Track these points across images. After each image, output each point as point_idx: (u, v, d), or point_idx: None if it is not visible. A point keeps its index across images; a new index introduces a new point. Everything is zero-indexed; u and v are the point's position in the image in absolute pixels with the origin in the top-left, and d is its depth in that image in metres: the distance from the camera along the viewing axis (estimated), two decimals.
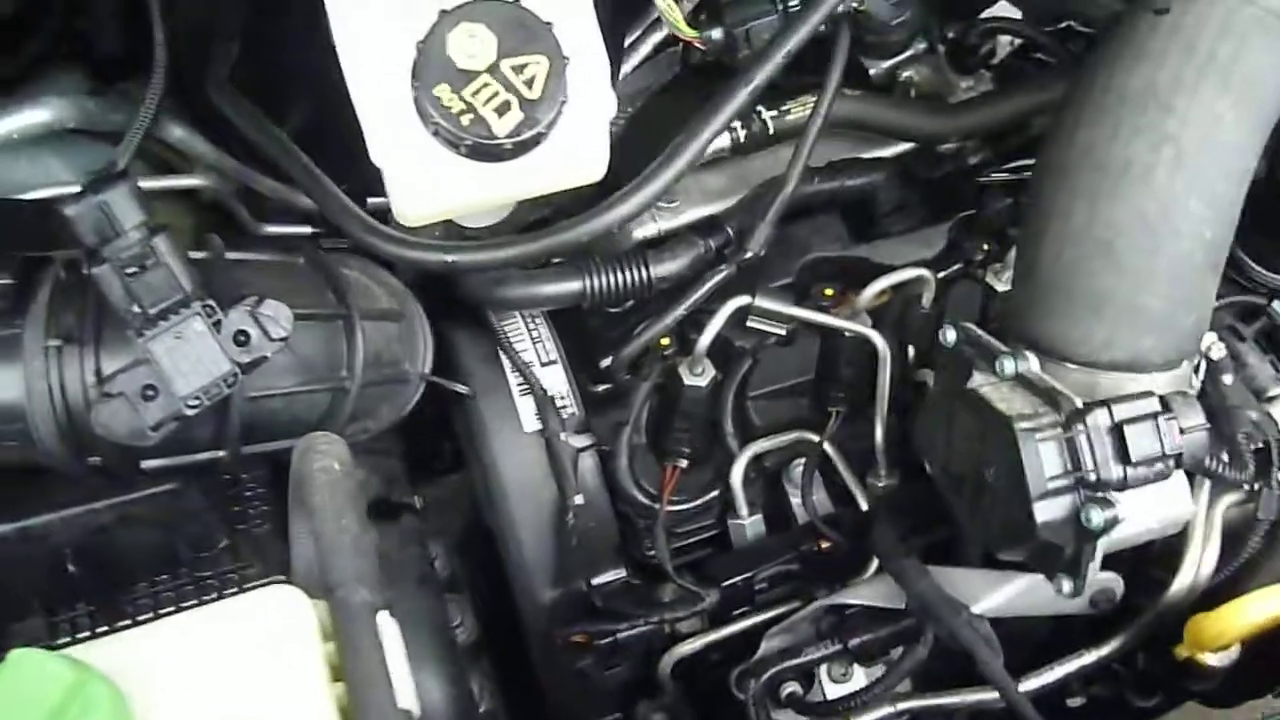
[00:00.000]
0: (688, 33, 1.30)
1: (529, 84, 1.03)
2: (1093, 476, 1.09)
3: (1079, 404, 1.11)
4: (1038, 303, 1.22)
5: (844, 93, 1.59)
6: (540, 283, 1.41)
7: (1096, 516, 1.09)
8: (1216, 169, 1.15)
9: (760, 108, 1.54)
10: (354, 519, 1.00)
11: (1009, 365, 1.18)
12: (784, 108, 1.54)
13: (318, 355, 1.21)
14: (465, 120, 1.02)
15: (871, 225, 1.57)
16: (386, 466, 1.56)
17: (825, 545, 1.40)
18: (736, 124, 1.52)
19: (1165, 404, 1.11)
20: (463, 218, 1.29)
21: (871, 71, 1.67)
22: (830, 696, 1.34)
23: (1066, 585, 1.16)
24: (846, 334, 1.44)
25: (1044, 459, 1.09)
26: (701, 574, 1.41)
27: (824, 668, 1.35)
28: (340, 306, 1.23)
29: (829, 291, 1.50)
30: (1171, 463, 1.10)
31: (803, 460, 1.46)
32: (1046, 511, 1.10)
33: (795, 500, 1.46)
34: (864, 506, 1.43)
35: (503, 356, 1.47)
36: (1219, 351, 1.29)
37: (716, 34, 1.30)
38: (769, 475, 1.48)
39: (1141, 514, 1.18)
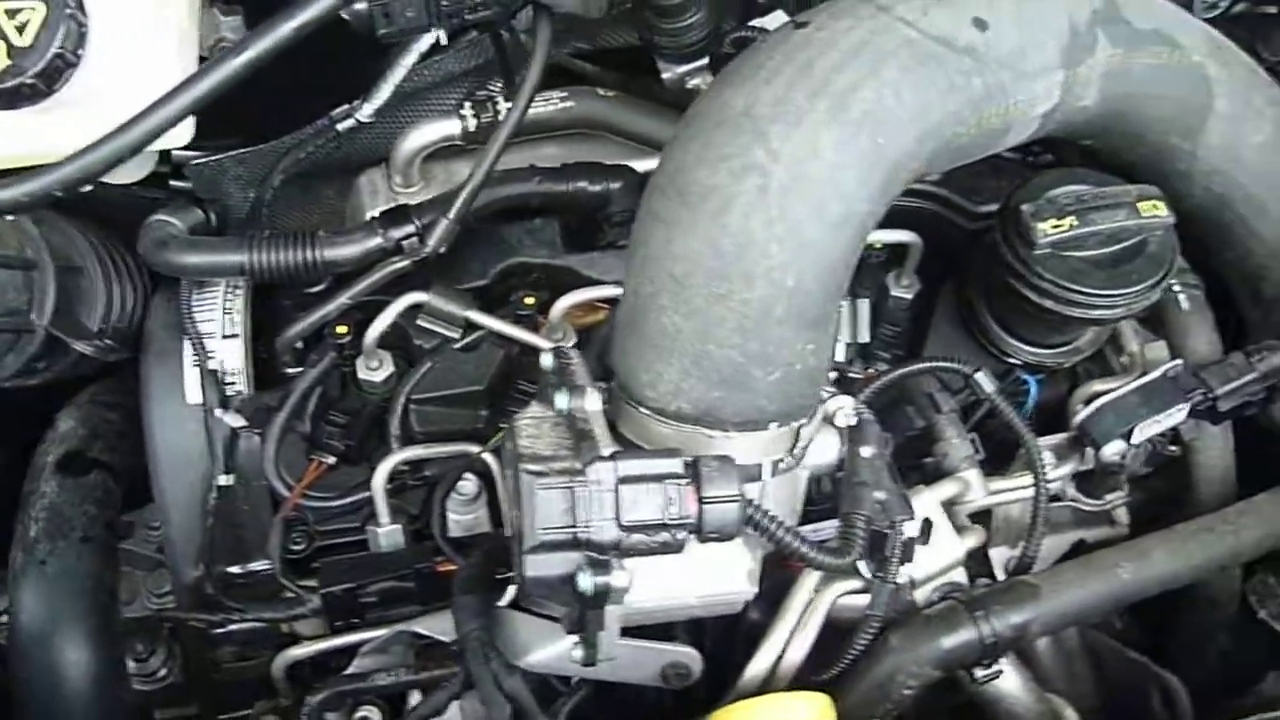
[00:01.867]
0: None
1: (20, 30, 0.97)
2: (585, 535, 0.97)
3: (603, 453, 0.99)
4: (619, 337, 1.10)
5: (596, 92, 1.50)
6: (199, 251, 1.35)
7: (584, 581, 0.97)
8: (806, 210, 1.01)
9: (499, 97, 1.45)
10: None
11: (560, 400, 1.06)
12: None
13: None
14: None
15: (598, 235, 1.45)
16: (99, 420, 1.53)
17: (447, 567, 1.30)
18: (467, 111, 1.44)
19: (693, 468, 0.98)
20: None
21: (665, 76, 1.56)
22: None
23: (577, 652, 1.04)
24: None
25: (539, 508, 0.98)
26: (318, 578, 1.33)
27: (417, 696, 1.25)
28: None
29: (530, 300, 1.40)
30: (680, 533, 0.97)
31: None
32: (539, 566, 0.98)
33: (453, 515, 1.36)
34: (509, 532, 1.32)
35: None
36: (846, 419, 1.15)
37: (361, 6, 1.21)
38: (434, 486, 1.39)
39: (676, 586, 1.06)
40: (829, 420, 1.15)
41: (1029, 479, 1.28)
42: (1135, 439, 1.25)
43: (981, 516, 1.33)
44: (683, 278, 1.02)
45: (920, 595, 1.18)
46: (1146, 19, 1.24)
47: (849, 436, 1.16)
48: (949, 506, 1.26)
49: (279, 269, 1.35)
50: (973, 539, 1.22)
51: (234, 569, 1.39)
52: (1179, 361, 1.28)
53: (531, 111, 1.46)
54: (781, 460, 1.10)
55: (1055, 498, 1.36)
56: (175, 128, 1.11)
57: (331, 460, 1.36)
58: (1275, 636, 1.44)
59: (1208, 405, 1.24)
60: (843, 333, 1.38)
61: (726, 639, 1.18)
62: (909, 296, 1.45)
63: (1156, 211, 1.22)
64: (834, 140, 1.01)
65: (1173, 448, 1.37)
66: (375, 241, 1.36)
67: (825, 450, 1.17)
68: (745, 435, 1.07)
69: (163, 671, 1.56)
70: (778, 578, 1.17)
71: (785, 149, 1.01)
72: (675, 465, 0.97)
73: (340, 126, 1.52)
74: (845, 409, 1.14)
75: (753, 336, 1.02)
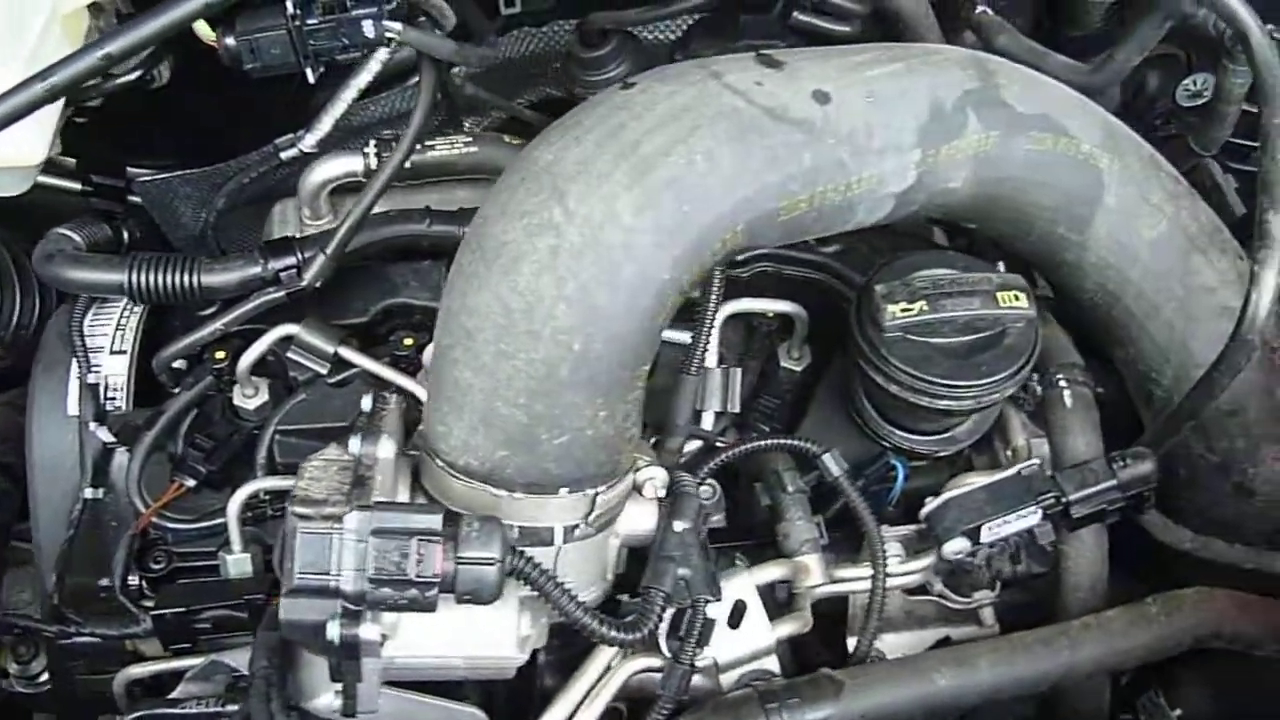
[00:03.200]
0: (207, 35, 1.23)
1: None
2: (335, 584, 0.95)
3: (364, 503, 0.98)
4: (427, 389, 1.09)
5: (501, 138, 1.50)
6: (81, 267, 1.38)
7: (332, 630, 0.95)
8: (598, 274, 0.98)
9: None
10: None
11: (354, 443, 1.05)
12: (429, 143, 1.46)
13: None
14: None
15: None
16: (9, 423, 1.56)
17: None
18: (370, 150, 1.45)
19: (452, 527, 0.96)
20: None
21: None
22: None
23: (336, 701, 1.03)
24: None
25: (299, 552, 0.97)
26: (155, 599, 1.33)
27: None
28: None
29: (409, 341, 1.39)
30: (429, 592, 0.95)
31: None
32: (294, 610, 0.97)
33: None
34: None
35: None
36: (655, 490, 1.12)
37: (231, 41, 1.23)
38: None
39: (441, 645, 1.04)
40: (638, 489, 1.11)
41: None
42: (985, 538, 1.19)
43: (839, 604, 1.29)
44: (474, 332, 1.01)
45: (726, 680, 1.14)
46: (1032, 103, 1.19)
47: (667, 509, 1.13)
48: (789, 590, 1.22)
49: (157, 291, 1.36)
50: (791, 626, 1.17)
51: (103, 581, 1.40)
52: (1035, 461, 1.22)
53: (434, 154, 1.49)
54: (576, 527, 1.07)
55: (920, 590, 1.31)
56: (27, 145, 1.14)
57: (191, 483, 1.36)
58: None
59: (1060, 510, 1.18)
60: (714, 401, 1.34)
61: (518, 703, 1.15)
62: (797, 369, 1.41)
63: (1017, 303, 1.17)
64: (633, 204, 0.99)
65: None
66: (254, 270, 1.37)
67: (640, 520, 1.14)
68: (534, 498, 1.04)
69: (44, 676, 1.58)
70: (580, 646, 1.14)
71: (581, 210, 0.99)
72: (431, 522, 0.96)
73: (284, 155, 1.55)
74: (655, 480, 1.11)
75: (538, 398, 1.00)
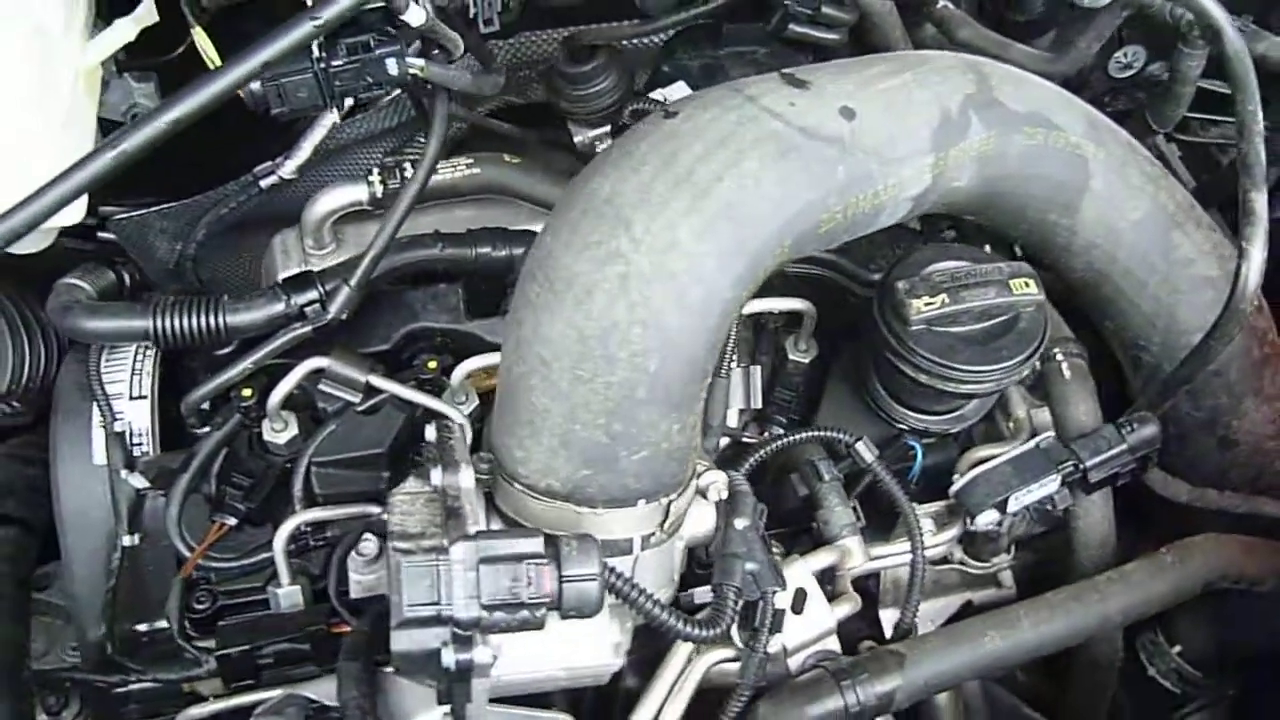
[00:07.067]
0: None
1: None
2: (448, 613, 0.99)
3: (468, 532, 1.02)
4: (495, 414, 1.13)
5: (502, 158, 1.54)
6: (103, 316, 1.38)
7: (448, 657, 0.99)
8: (667, 298, 1.04)
9: (407, 164, 1.48)
10: None
11: (435, 475, 1.09)
12: None
13: None
14: None
15: (504, 300, 1.48)
16: (15, 475, 1.55)
17: (343, 629, 1.32)
18: (374, 178, 1.47)
19: (553, 547, 1.01)
20: None
21: (576, 139, 1.60)
22: None
23: None
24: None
25: (406, 586, 1.00)
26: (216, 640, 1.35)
27: None
28: None
29: (432, 364, 1.43)
30: (540, 611, 1.00)
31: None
32: (406, 641, 1.00)
33: (355, 576, 1.39)
34: None
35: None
36: (718, 493, 1.18)
37: (256, 87, 1.24)
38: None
39: (542, 659, 1.09)
40: (702, 494, 1.18)
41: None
42: (1011, 508, 1.28)
43: (871, 579, 1.37)
44: (550, 360, 1.06)
45: (794, 663, 1.21)
46: (1022, 101, 1.28)
47: (724, 508, 1.19)
48: (832, 572, 1.30)
49: (183, 334, 1.37)
50: (847, 607, 1.25)
51: (140, 627, 1.42)
52: (1050, 434, 1.32)
53: (437, 178, 1.51)
54: (652, 535, 1.13)
55: (942, 560, 1.40)
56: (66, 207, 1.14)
57: (233, 522, 1.38)
58: (1167, 693, 1.49)
59: (1079, 476, 1.28)
60: (736, 399, 1.41)
61: (604, 705, 1.21)
62: (805, 361, 1.48)
63: (1028, 289, 1.26)
64: (694, 230, 1.04)
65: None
66: (278, 307, 1.39)
67: (701, 522, 1.20)
68: (614, 512, 1.10)
69: None
70: (656, 646, 1.20)
71: (647, 238, 1.04)
72: (535, 545, 1.00)
73: (263, 183, 1.57)
74: (718, 483, 1.18)
75: (617, 418, 1.06)
